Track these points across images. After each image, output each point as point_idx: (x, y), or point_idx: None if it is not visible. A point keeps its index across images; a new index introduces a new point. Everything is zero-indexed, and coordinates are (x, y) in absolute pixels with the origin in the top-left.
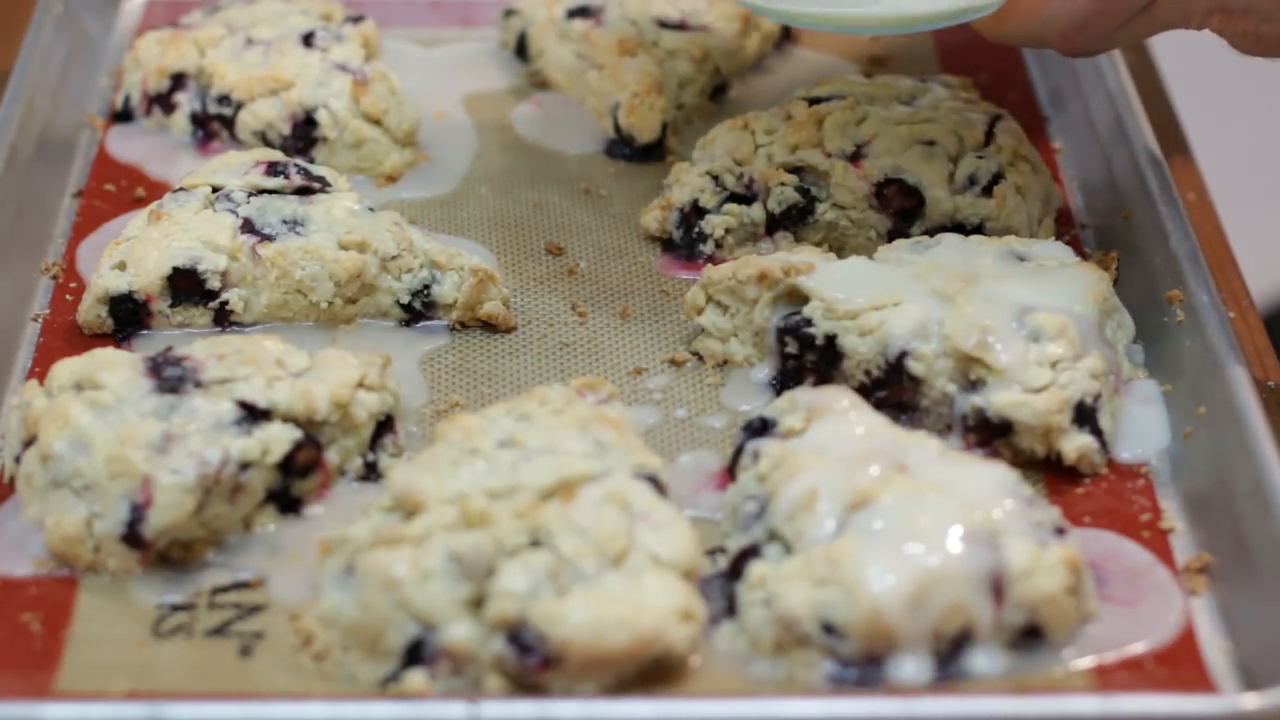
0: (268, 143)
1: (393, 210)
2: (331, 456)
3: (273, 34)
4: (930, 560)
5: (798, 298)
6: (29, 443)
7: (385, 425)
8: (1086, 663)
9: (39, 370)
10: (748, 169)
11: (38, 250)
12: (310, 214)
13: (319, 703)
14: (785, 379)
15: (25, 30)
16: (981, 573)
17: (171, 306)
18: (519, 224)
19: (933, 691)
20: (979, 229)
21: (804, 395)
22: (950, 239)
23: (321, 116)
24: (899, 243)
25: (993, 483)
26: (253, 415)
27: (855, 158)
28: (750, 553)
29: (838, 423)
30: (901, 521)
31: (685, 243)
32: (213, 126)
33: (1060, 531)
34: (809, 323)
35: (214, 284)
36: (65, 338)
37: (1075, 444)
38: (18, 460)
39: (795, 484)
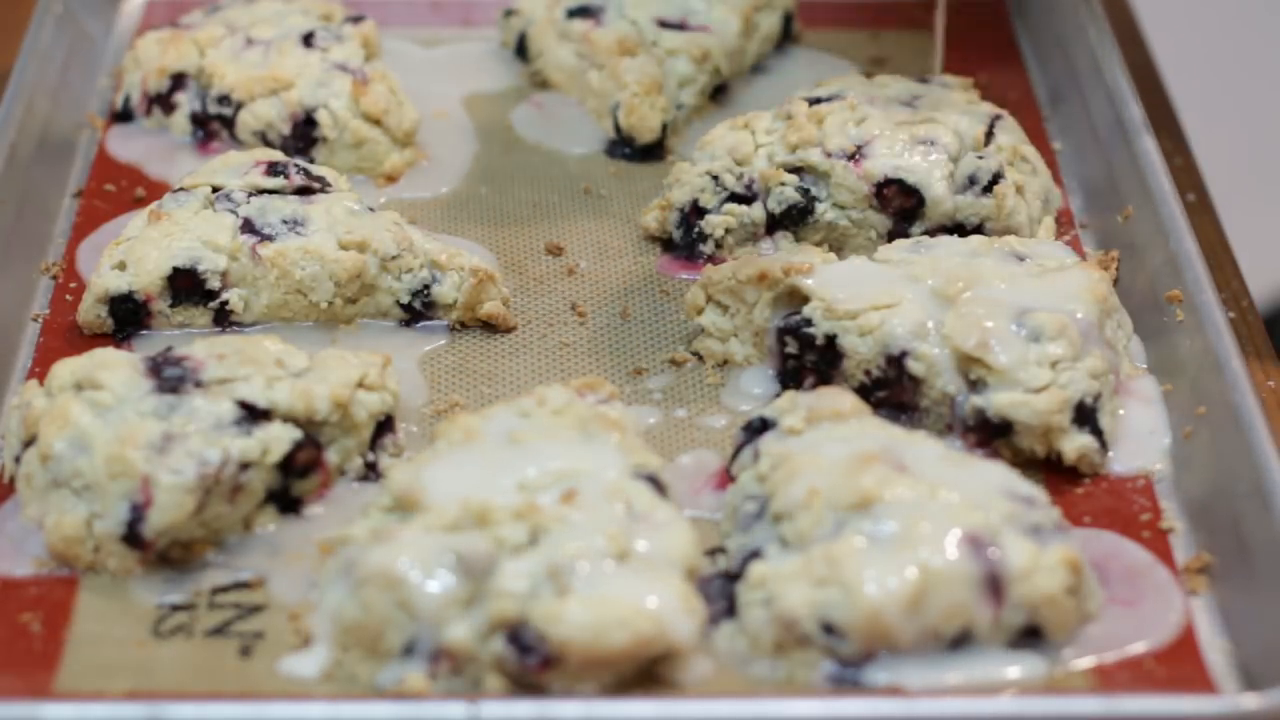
0: (268, 143)
1: (393, 210)
2: (331, 456)
3: (273, 34)
4: (930, 561)
5: (798, 298)
6: (29, 443)
7: (385, 425)
8: (1086, 663)
9: (39, 370)
10: (748, 169)
11: (38, 250)
12: (310, 214)
13: (319, 703)
14: (785, 379)
15: (25, 30)
16: (981, 573)
17: (171, 306)
18: (519, 224)
19: (933, 692)
20: (979, 229)
21: (804, 395)
22: (950, 239)
23: (321, 116)
24: (899, 243)
25: (993, 483)
26: (253, 415)
27: (855, 158)
28: (750, 553)
29: (838, 423)
30: (901, 522)
31: (685, 243)
32: (213, 126)
33: (1060, 531)
34: (809, 323)
35: (214, 284)
36: (65, 338)
37: (1075, 444)
38: (18, 460)
39: (795, 484)
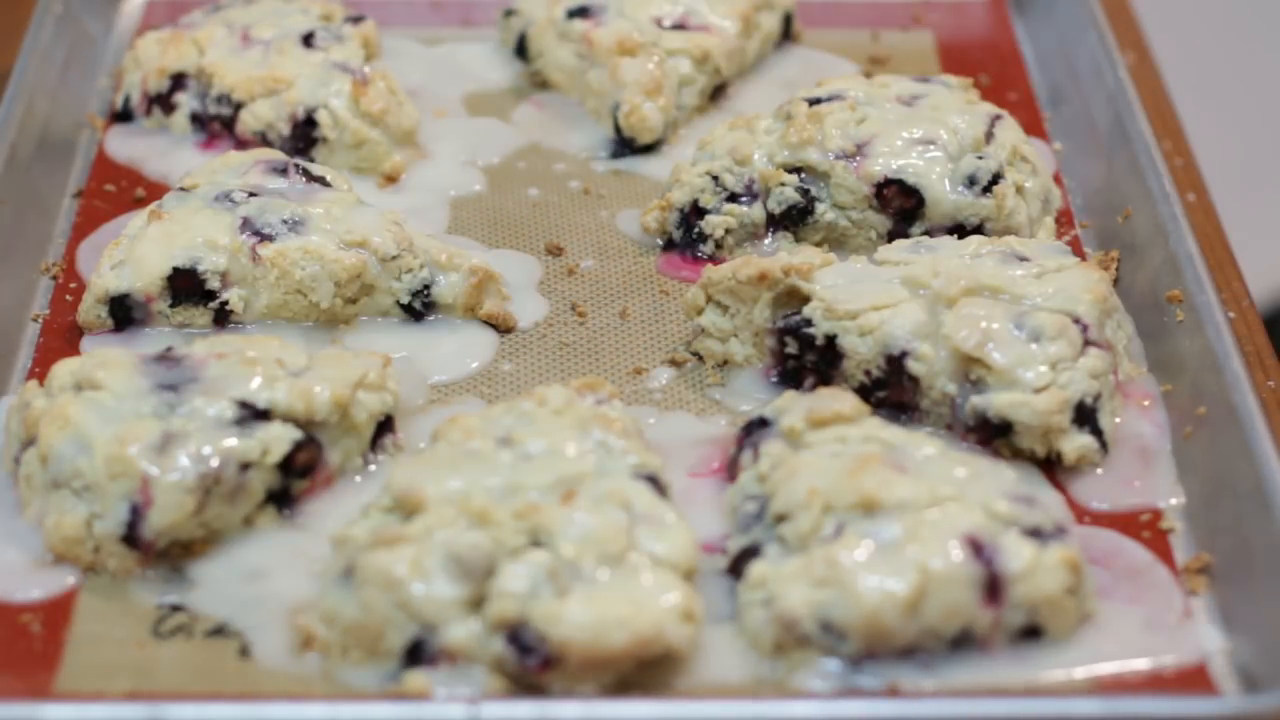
0: (268, 143)
1: (393, 210)
2: (332, 456)
3: (273, 34)
4: (930, 561)
5: (798, 298)
6: (29, 443)
7: (385, 425)
8: (1086, 663)
9: (39, 370)
10: (748, 169)
11: (38, 250)
12: (310, 214)
13: (319, 703)
14: (785, 379)
15: (25, 30)
16: (981, 573)
17: (171, 306)
18: (519, 224)
19: (933, 692)
20: (979, 229)
21: (804, 395)
22: (950, 239)
23: (321, 116)
24: (899, 243)
25: (992, 483)
26: (253, 415)
27: (855, 158)
28: (750, 553)
29: (838, 423)
30: (901, 522)
31: (685, 243)
32: (213, 126)
33: (1060, 531)
34: (809, 323)
35: (214, 284)
36: (65, 338)
37: (1075, 444)
38: (18, 460)
39: (795, 484)
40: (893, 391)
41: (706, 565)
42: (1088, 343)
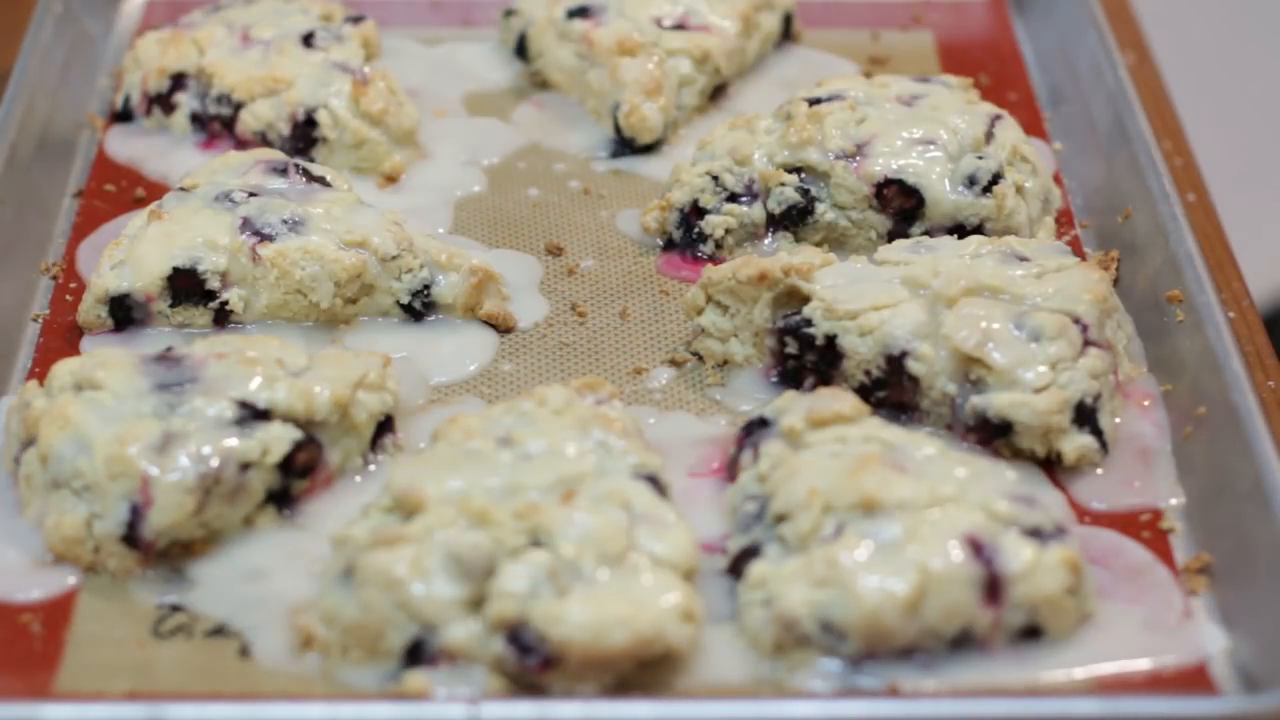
0: (268, 143)
1: (393, 210)
2: (332, 456)
3: (273, 34)
4: (930, 561)
5: (798, 298)
6: (29, 443)
7: (385, 425)
8: (1087, 663)
9: (39, 370)
10: (748, 169)
11: (38, 250)
12: (310, 214)
13: (319, 703)
14: (785, 379)
15: (25, 30)
16: (981, 573)
17: (171, 306)
18: (519, 224)
19: (933, 692)
20: (979, 229)
21: (804, 395)
22: (950, 239)
23: (321, 116)
24: (899, 243)
25: (993, 483)
26: (253, 415)
27: (855, 158)
28: (750, 553)
29: (838, 423)
30: (901, 522)
31: (685, 243)
32: (213, 126)
33: (1060, 531)
34: (809, 323)
35: (214, 284)
36: (65, 338)
37: (1075, 444)
38: (18, 460)
39: (795, 484)
40: (893, 391)
41: (706, 565)
42: (1088, 343)
